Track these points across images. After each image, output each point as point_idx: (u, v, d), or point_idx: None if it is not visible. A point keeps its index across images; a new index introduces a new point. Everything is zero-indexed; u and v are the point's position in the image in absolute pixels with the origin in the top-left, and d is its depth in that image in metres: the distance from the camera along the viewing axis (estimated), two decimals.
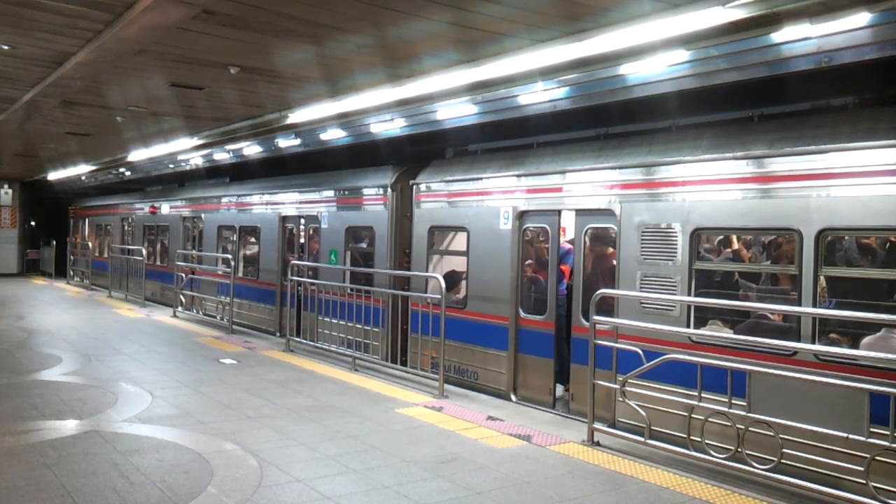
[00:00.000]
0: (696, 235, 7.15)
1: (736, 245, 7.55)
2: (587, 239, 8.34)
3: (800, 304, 6.25)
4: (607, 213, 8.00)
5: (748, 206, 6.75)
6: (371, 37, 6.92)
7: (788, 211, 6.43)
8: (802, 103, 6.98)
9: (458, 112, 9.48)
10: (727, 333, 6.84)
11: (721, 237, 7.60)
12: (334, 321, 11.19)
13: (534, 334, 8.89)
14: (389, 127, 10.84)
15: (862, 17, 5.30)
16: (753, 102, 7.29)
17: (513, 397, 9.02)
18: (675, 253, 7.22)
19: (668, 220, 7.33)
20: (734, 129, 7.22)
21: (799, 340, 6.16)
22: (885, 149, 5.87)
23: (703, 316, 7.07)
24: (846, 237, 6.50)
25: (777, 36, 5.79)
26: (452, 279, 10.22)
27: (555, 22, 6.22)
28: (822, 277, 6.26)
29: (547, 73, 7.47)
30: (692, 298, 7.00)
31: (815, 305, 6.21)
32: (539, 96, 8.25)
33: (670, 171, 7.42)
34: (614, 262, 7.90)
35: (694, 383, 5.99)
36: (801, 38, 5.72)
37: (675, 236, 7.24)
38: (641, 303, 7.39)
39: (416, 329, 10.07)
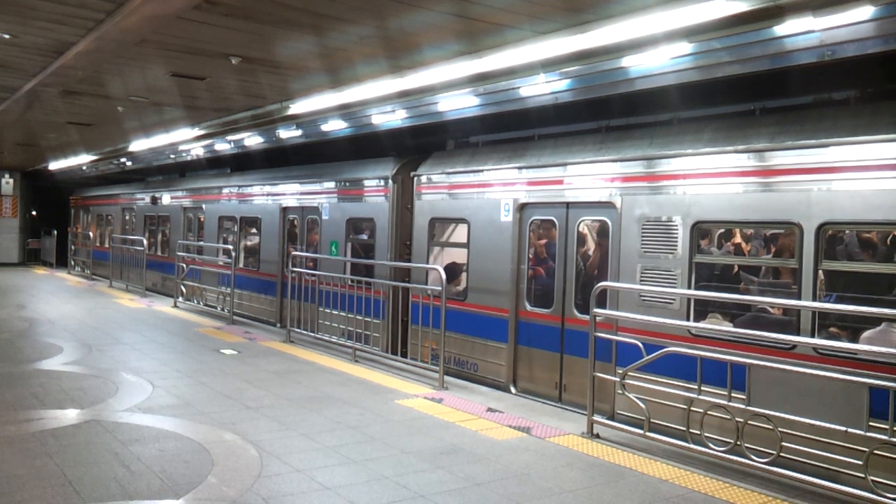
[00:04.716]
0: (697, 229, 7.15)
1: (737, 238, 7.55)
2: (586, 231, 8.34)
3: (800, 298, 6.25)
4: (607, 205, 7.99)
5: (749, 199, 6.74)
6: (372, 27, 6.90)
7: (789, 205, 6.42)
8: (804, 97, 6.97)
9: (459, 104, 9.45)
10: (727, 327, 6.84)
11: (722, 230, 7.60)
12: (335, 312, 11.21)
13: (539, 327, 8.90)
14: (391, 118, 10.82)
15: (865, 11, 5.28)
16: (755, 96, 7.28)
17: (512, 389, 9.04)
18: (676, 246, 7.22)
19: (669, 213, 7.33)
20: (736, 123, 7.20)
21: (799, 334, 6.17)
22: (887, 143, 5.86)
23: (703, 309, 7.08)
24: (847, 231, 6.50)
25: (780, 29, 5.78)
26: (453, 271, 10.22)
27: (557, 13, 6.21)
28: (822, 271, 6.27)
29: (548, 65, 7.45)
30: (692, 291, 7.00)
31: (815, 299, 6.21)
32: (540, 88, 8.22)
33: (671, 164, 7.41)
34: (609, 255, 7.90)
35: (693, 376, 6.00)
36: (803, 31, 5.70)
37: (676, 229, 7.24)
38: (641, 295, 7.39)
39: (416, 321, 10.08)
